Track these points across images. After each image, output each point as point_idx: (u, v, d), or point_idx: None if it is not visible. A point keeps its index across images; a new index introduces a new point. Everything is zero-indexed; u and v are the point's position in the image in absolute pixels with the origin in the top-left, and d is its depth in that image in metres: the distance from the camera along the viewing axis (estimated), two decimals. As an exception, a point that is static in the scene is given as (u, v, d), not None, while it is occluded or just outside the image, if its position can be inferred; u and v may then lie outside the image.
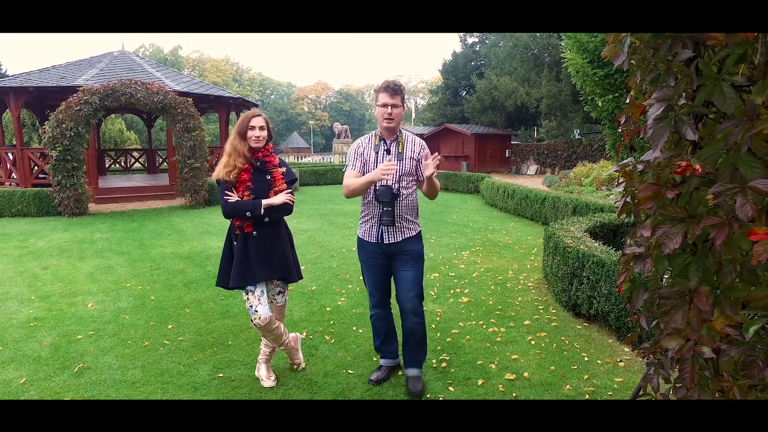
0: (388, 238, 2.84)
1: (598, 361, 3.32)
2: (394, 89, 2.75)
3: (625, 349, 3.50)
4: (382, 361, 3.15)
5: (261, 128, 2.80)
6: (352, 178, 2.80)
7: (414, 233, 2.88)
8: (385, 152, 2.83)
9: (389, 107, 2.75)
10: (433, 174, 2.72)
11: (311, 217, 9.78)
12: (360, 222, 2.98)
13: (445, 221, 9.25)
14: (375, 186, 2.76)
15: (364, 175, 2.80)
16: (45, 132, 9.80)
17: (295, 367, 3.22)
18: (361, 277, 3.10)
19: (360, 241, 2.96)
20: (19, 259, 6.36)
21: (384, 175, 2.62)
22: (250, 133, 2.78)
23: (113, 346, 3.62)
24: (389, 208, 2.74)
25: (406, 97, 2.87)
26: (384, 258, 2.89)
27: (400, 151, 2.82)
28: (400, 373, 3.12)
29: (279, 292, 3.02)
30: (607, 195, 9.72)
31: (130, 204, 11.80)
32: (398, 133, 2.86)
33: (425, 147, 2.88)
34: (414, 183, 2.86)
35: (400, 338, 3.12)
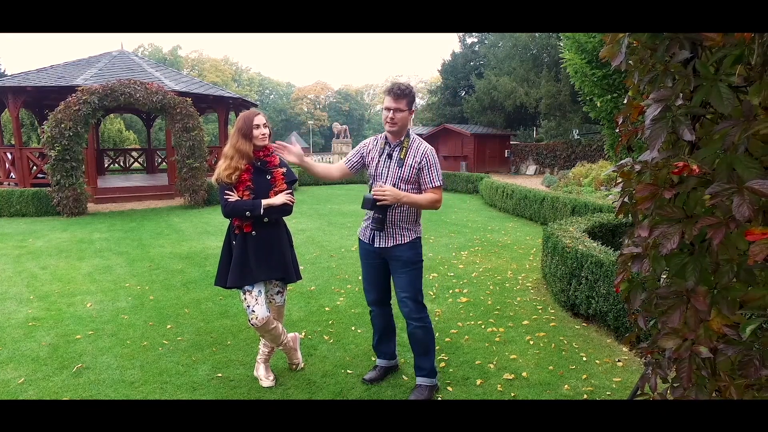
0: (379, 242, 2.81)
1: (597, 361, 3.33)
2: (399, 92, 2.63)
3: (624, 348, 3.50)
4: (377, 361, 3.15)
5: (264, 125, 2.84)
6: (335, 166, 2.93)
7: (407, 240, 2.77)
8: (387, 157, 2.75)
9: (392, 111, 2.65)
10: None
11: (310, 217, 9.77)
12: (363, 220, 2.98)
13: (444, 221, 9.25)
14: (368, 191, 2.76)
15: (352, 168, 2.90)
16: (44, 132, 9.79)
17: (294, 367, 3.23)
18: (359, 277, 3.09)
19: (359, 238, 2.97)
20: (18, 259, 6.35)
21: (375, 196, 2.61)
22: (256, 132, 2.80)
23: (112, 346, 3.62)
24: (379, 215, 2.67)
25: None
26: (378, 258, 2.87)
27: (401, 157, 2.69)
28: (405, 378, 3.11)
29: (278, 292, 3.03)
30: (605, 195, 9.73)
31: (129, 204, 11.78)
32: (404, 138, 2.73)
33: (427, 155, 2.70)
34: (414, 190, 2.73)
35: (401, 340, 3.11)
